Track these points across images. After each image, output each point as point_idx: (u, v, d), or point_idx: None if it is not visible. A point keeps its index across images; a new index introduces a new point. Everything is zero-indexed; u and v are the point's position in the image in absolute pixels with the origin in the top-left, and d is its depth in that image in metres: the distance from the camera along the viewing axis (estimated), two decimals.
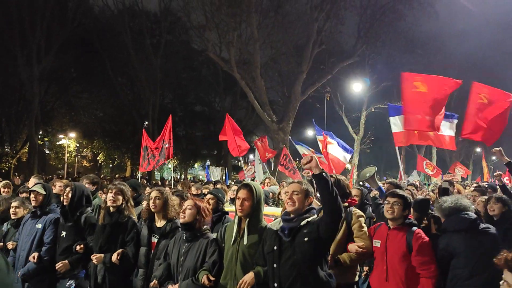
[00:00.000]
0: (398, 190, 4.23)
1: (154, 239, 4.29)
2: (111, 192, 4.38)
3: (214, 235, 3.83)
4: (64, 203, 4.60)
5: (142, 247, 4.29)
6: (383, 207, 4.15)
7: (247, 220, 3.47)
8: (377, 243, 3.94)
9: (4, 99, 26.58)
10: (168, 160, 9.65)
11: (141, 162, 9.29)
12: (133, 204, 4.63)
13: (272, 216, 5.14)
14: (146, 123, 30.17)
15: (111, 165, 36.98)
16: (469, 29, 28.79)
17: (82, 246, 4.41)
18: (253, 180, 15.32)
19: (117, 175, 30.05)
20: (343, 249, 3.95)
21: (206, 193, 6.38)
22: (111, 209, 4.38)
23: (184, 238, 3.79)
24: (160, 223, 4.32)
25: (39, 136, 30.49)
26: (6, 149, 28.10)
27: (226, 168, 32.30)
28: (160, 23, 30.56)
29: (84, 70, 29.76)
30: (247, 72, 21.94)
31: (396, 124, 9.66)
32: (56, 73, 27.54)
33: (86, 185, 5.51)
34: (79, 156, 37.71)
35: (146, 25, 29.80)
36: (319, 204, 3.51)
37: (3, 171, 26.64)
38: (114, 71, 29.75)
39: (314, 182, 3.05)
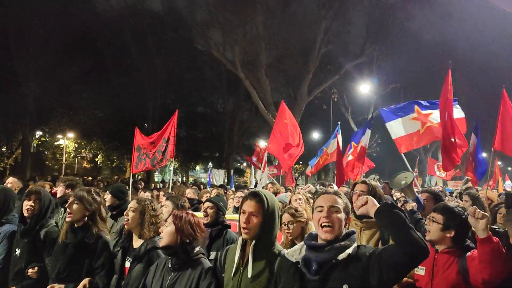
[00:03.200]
0: (445, 203, 3.36)
1: (128, 264, 3.31)
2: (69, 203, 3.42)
3: (208, 263, 2.90)
4: (25, 214, 3.63)
5: (115, 275, 3.34)
6: (425, 223, 3.28)
7: (253, 243, 2.54)
8: (420, 271, 3.07)
9: (0, 98, 25.87)
10: (170, 161, 8.80)
11: (133, 164, 8.42)
12: (105, 217, 3.63)
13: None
14: (146, 124, 29.41)
15: (110, 166, 36.14)
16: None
17: (36, 269, 3.44)
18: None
19: (116, 177, 29.36)
20: None
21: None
22: (75, 224, 3.42)
23: (170, 265, 2.84)
24: (137, 242, 3.33)
25: (36, 136, 29.85)
26: (3, 149, 27.38)
27: (232, 171, 31.52)
28: (163, 21, 29.84)
29: (85, 69, 29.03)
30: (252, 72, 21.28)
31: (394, 129, 8.84)
32: (55, 71, 26.83)
33: (60, 189, 4.59)
34: (78, 157, 36.99)
35: (148, 23, 29.08)
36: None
37: None
38: (115, 71, 29.04)
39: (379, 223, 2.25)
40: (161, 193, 8.10)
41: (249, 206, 2.55)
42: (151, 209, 3.43)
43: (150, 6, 30.69)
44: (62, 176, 24.21)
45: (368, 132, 11.15)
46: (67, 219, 3.39)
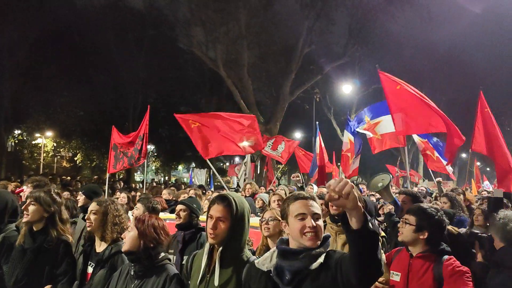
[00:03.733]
0: (417, 204, 3.28)
1: (90, 269, 3.12)
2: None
3: (174, 269, 2.74)
4: None
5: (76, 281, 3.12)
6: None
7: (221, 249, 2.39)
8: (395, 276, 2.97)
9: None
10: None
11: (111, 163, 8.17)
12: (66, 219, 3.38)
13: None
14: (127, 123, 28.94)
15: (90, 166, 35.48)
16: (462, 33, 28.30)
17: None
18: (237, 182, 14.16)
19: (95, 176, 28.81)
20: None
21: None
22: (34, 227, 3.19)
23: (133, 273, 2.66)
24: (100, 246, 3.15)
25: (14, 135, 29.08)
26: None
27: (211, 171, 31.19)
28: (144, 18, 29.44)
29: (65, 67, 28.42)
30: (234, 71, 21.14)
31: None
32: (33, 69, 26.16)
33: (28, 189, 4.35)
34: (57, 156, 36.21)
35: (129, 19, 28.62)
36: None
37: None
38: (95, 68, 28.49)
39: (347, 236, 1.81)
40: (138, 194, 7.90)
41: (216, 210, 2.41)
42: (114, 209, 3.26)
43: (131, 3, 30.27)
44: (38, 176, 23.61)
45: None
46: (23, 220, 3.16)
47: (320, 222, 2.10)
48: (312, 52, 22.77)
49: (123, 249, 2.67)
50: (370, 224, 1.70)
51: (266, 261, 2.19)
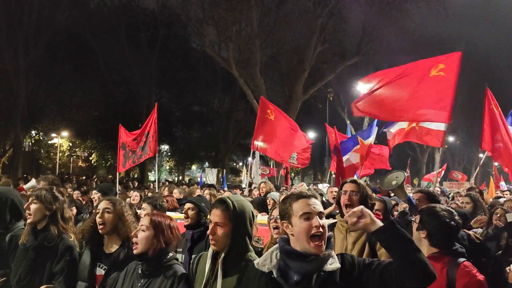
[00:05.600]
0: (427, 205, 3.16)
1: (101, 271, 3.02)
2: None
3: (182, 269, 2.67)
4: None
5: (81, 282, 3.02)
6: None
7: (223, 255, 2.30)
8: None
9: None
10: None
11: (120, 162, 8.19)
12: (68, 217, 3.30)
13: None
14: (140, 125, 29.14)
15: (105, 166, 35.84)
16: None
17: (4, 278, 3.17)
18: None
19: (110, 176, 29.10)
20: None
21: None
22: (37, 226, 3.14)
23: (140, 271, 2.62)
24: (110, 247, 3.05)
25: (31, 135, 29.55)
26: None
27: (224, 171, 31.26)
28: (156, 18, 29.64)
29: (78, 67, 28.80)
30: (246, 71, 21.09)
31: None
32: (48, 69, 26.57)
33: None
34: (73, 156, 36.68)
35: (141, 19, 28.85)
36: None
37: None
38: (108, 69, 28.78)
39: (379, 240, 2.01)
40: (149, 193, 7.90)
41: (214, 215, 2.34)
42: (128, 209, 3.19)
43: (143, 3, 30.54)
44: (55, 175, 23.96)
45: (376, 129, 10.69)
46: (28, 220, 3.13)
47: (325, 221, 2.03)
48: (325, 50, 22.57)
49: (137, 251, 2.60)
50: (392, 221, 1.94)
51: (266, 262, 2.08)
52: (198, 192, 7.29)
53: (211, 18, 20.82)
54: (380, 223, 1.91)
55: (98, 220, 3.01)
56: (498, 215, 4.25)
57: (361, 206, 1.96)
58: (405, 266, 1.84)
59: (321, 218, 2.00)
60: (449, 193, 9.84)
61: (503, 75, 30.15)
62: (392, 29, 23.23)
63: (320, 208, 2.02)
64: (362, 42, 23.09)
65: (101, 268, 3.02)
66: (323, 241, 1.97)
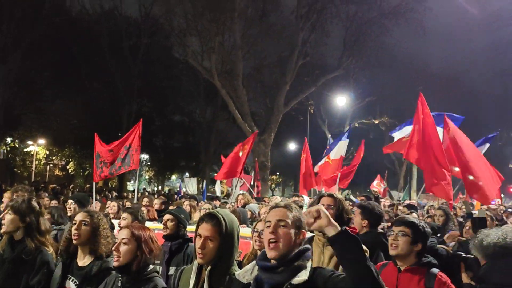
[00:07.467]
0: (405, 217, 3.26)
1: (71, 285, 2.96)
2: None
3: (163, 283, 2.67)
4: None
5: None
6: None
7: (209, 268, 2.32)
8: None
9: None
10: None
11: (95, 172, 8.11)
12: (45, 230, 3.25)
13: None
14: (120, 134, 28.77)
15: (82, 175, 35.16)
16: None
17: None
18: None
19: (88, 185, 28.55)
20: None
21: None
22: (15, 237, 3.09)
23: (120, 284, 2.59)
24: (83, 260, 2.99)
25: (6, 142, 28.80)
26: None
27: (204, 181, 31.10)
28: (139, 27, 29.53)
29: (59, 74, 28.36)
30: (229, 81, 21.17)
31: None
32: (27, 76, 26.06)
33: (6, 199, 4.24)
34: (50, 164, 35.90)
35: (124, 28, 28.67)
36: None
37: None
38: (89, 76, 28.43)
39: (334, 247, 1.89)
40: (127, 203, 7.80)
41: (205, 229, 2.33)
42: (105, 222, 3.16)
43: (126, 12, 30.39)
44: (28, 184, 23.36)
45: (346, 141, 11.40)
46: (1, 231, 3.08)
47: (288, 231, 2.02)
48: (307, 64, 22.91)
49: (117, 264, 2.56)
50: (346, 231, 1.84)
51: (247, 273, 2.13)
52: (186, 204, 7.24)
53: (194, 29, 20.88)
54: (336, 229, 1.82)
55: (73, 231, 2.96)
56: (467, 227, 4.39)
57: (319, 206, 1.89)
58: (351, 279, 1.78)
59: (281, 226, 2.02)
60: (424, 206, 10.11)
61: (478, 91, 31.10)
62: (372, 44, 23.79)
63: (283, 217, 2.04)
64: (343, 56, 23.51)
65: (72, 281, 2.96)
66: (278, 248, 1.99)
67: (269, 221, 2.05)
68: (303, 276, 1.95)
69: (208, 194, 19.14)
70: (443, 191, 6.60)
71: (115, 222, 4.95)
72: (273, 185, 43.91)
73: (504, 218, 7.92)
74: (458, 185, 8.62)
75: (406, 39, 25.24)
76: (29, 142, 30.56)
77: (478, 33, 29.00)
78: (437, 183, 6.59)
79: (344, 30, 23.57)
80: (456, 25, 29.03)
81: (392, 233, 2.98)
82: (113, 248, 2.63)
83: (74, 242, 2.96)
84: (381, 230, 4.35)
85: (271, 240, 2.00)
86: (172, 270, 3.76)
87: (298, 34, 21.40)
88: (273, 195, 21.16)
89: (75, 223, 2.99)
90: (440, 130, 7.24)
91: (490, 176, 6.92)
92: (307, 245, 2.10)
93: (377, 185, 18.68)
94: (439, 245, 4.21)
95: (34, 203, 3.26)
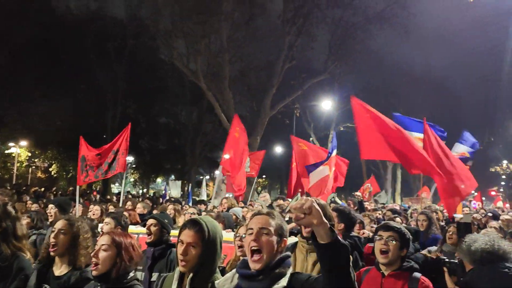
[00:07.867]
0: (391, 222, 3.30)
1: None
2: None
3: None
4: None
5: None
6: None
7: (191, 276, 2.27)
8: None
9: None
10: (128, 173, 8.42)
11: (79, 175, 7.99)
12: (22, 235, 3.17)
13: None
14: (105, 136, 28.44)
15: (65, 177, 34.62)
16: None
17: None
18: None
19: (71, 188, 28.11)
20: None
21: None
22: None
23: None
24: (60, 269, 2.90)
25: None
26: None
27: (190, 185, 30.92)
28: (125, 28, 29.27)
29: (43, 75, 27.90)
30: (215, 84, 21.13)
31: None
32: (11, 77, 25.56)
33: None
34: (32, 167, 35.26)
35: (109, 29, 28.38)
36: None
37: None
38: (75, 77, 28.06)
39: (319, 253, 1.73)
40: (110, 207, 7.71)
41: (187, 236, 2.29)
42: (85, 231, 3.05)
43: (112, 12, 30.11)
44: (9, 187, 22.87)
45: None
46: None
47: (271, 239, 2.01)
48: (293, 67, 23.02)
49: (97, 272, 2.49)
50: (339, 238, 1.69)
51: (226, 282, 2.12)
52: (170, 208, 7.17)
53: (181, 31, 20.79)
54: (328, 233, 1.65)
55: (51, 240, 2.87)
56: (450, 233, 4.45)
57: (312, 201, 1.67)
58: (331, 283, 1.68)
59: (264, 234, 2.02)
60: (407, 209, 10.21)
61: (461, 96, 31.73)
62: (357, 47, 24.05)
63: (266, 225, 2.03)
64: (328, 60, 23.68)
65: None
66: (262, 259, 1.97)
67: (251, 229, 2.04)
68: (282, 283, 1.95)
69: (193, 197, 19.02)
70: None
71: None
72: (259, 188, 43.89)
73: (484, 222, 8.05)
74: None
75: (390, 44, 25.64)
76: (11, 144, 29.96)
77: (461, 39, 29.57)
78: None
79: (329, 34, 23.78)
80: (440, 31, 29.54)
81: (380, 237, 2.98)
82: (92, 254, 2.55)
83: (51, 253, 2.86)
84: (356, 234, 4.42)
85: (253, 248, 1.99)
86: (155, 276, 3.68)
87: (285, 38, 21.50)
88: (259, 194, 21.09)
89: (53, 231, 2.91)
90: (419, 136, 7.12)
91: (464, 174, 6.62)
92: (288, 252, 2.10)
93: (366, 189, 18.71)
94: (422, 251, 4.32)
95: (9, 208, 3.17)
